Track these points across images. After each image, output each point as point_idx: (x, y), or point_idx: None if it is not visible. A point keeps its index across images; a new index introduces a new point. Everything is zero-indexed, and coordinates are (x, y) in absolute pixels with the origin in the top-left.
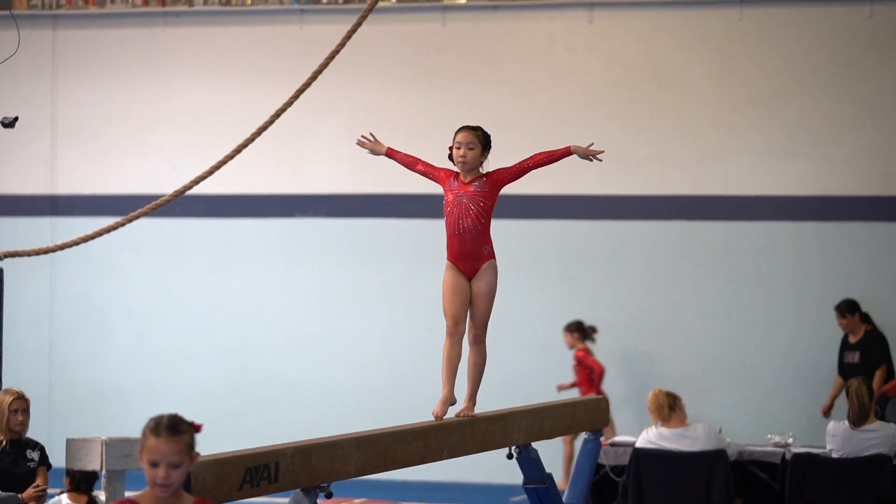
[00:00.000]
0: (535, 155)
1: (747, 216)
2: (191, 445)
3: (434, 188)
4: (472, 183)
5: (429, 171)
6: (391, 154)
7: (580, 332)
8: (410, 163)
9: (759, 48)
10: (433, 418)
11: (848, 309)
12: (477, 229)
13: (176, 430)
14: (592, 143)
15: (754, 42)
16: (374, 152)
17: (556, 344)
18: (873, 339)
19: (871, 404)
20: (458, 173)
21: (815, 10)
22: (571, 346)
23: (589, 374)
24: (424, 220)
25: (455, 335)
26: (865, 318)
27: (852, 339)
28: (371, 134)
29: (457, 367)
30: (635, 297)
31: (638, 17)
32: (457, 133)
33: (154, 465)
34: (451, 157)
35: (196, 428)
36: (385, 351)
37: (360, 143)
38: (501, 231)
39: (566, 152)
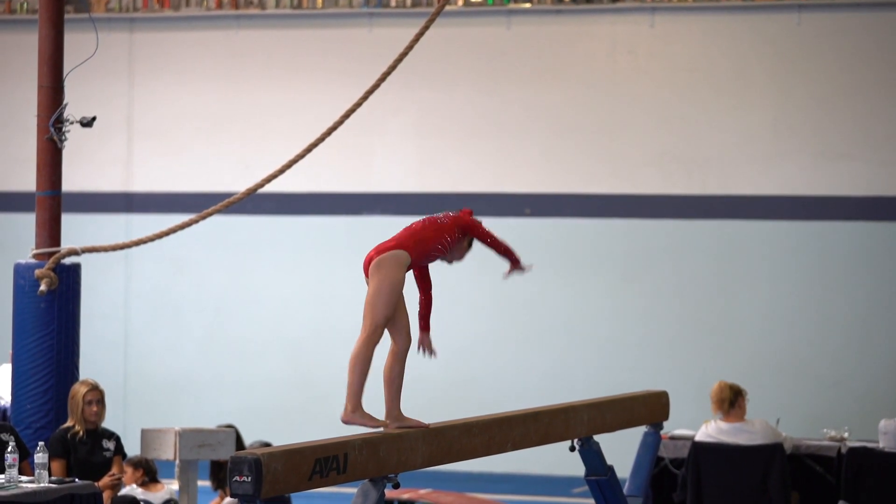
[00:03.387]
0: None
1: (804, 216)
2: None
3: (501, 188)
4: None
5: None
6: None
7: None
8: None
9: (817, 52)
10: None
11: None
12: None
13: None
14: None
15: (812, 46)
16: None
17: (618, 341)
18: None
19: None
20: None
21: (872, 14)
22: None
23: None
24: (490, 217)
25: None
26: None
27: None
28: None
29: None
30: (696, 295)
31: (698, 21)
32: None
33: None
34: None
35: None
36: (450, 346)
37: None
38: (567, 230)
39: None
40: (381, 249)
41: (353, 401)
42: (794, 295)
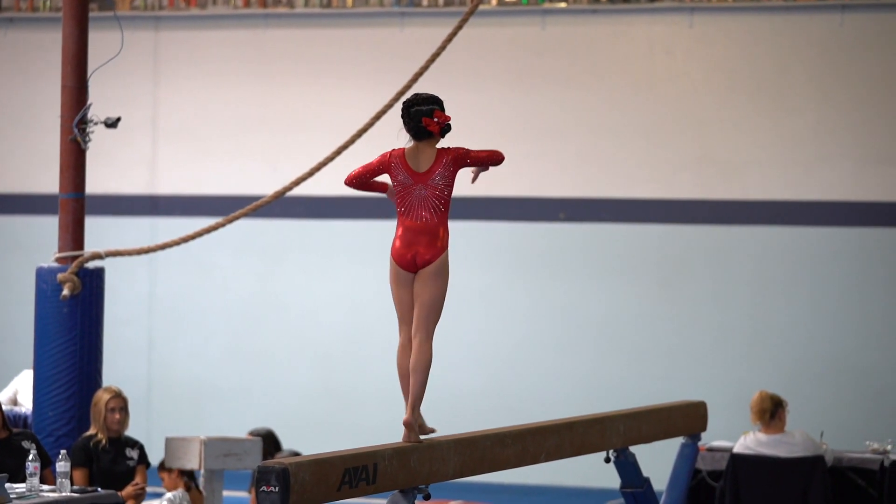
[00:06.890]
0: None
1: (846, 222)
2: None
3: (535, 192)
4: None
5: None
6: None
7: None
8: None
9: (860, 53)
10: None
11: None
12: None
13: None
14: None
15: (854, 47)
16: None
17: (654, 349)
18: None
19: None
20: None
21: None
22: None
23: None
24: (523, 222)
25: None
26: None
27: None
28: None
29: None
30: (735, 302)
31: (738, 21)
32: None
33: None
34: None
35: None
36: (482, 353)
37: None
38: (602, 235)
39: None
40: (432, 252)
41: (417, 406)
42: (836, 303)
